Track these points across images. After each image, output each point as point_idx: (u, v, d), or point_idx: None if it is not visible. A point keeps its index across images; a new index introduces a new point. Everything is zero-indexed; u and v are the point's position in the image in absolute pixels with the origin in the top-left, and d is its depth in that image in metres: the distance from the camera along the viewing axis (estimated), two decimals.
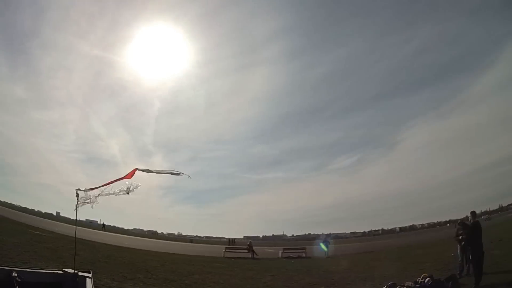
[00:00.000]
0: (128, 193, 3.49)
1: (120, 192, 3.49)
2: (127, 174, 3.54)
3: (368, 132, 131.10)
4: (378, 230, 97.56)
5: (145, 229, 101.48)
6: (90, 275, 3.53)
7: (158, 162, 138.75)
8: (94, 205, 3.52)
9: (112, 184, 3.50)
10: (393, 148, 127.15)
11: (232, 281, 13.80)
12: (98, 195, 3.47)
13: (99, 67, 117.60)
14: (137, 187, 3.48)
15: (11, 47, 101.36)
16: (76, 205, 3.54)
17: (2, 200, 67.64)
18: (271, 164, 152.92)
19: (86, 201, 3.52)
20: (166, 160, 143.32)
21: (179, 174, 3.76)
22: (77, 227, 4.19)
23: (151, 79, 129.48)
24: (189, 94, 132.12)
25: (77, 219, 3.79)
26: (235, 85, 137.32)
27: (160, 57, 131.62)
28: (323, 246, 29.15)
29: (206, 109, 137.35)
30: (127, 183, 3.49)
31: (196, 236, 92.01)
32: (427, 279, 10.36)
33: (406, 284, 10.33)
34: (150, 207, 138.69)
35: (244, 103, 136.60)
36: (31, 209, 74.79)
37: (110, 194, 3.49)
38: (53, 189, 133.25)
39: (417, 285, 10.18)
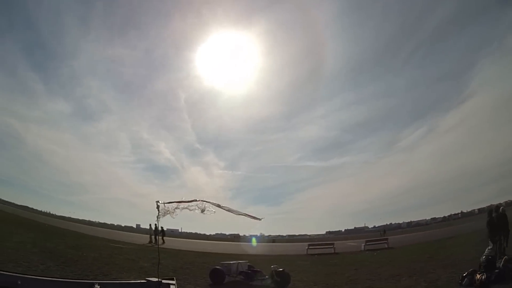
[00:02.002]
0: (202, 212, 3.95)
1: (195, 209, 3.98)
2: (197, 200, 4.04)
3: (435, 87, 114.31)
4: (458, 214, 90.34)
5: (227, 233, 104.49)
6: (174, 282, 3.72)
7: (213, 161, 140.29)
8: (174, 216, 3.99)
9: (188, 202, 3.99)
10: (463, 105, 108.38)
11: (315, 278, 14.27)
12: (175, 208, 3.93)
13: (119, 67, 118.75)
14: (211, 212, 4.00)
15: (35, 60, 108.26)
16: (158, 216, 3.93)
17: (81, 218, 73.96)
18: (334, 147, 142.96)
19: (166, 212, 3.94)
20: (221, 158, 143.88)
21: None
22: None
23: (175, 71, 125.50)
24: (221, 79, 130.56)
25: (158, 228, 3.61)
26: (271, 47, 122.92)
27: (182, 41, 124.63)
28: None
29: (244, 95, 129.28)
30: (205, 203, 4.00)
31: (279, 235, 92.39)
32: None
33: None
34: (223, 211, 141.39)
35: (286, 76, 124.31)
36: (111, 224, 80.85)
37: (185, 208, 3.97)
38: (126, 202, 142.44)
39: (496, 270, 10.46)
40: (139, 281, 3.88)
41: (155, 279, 3.69)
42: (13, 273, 3.54)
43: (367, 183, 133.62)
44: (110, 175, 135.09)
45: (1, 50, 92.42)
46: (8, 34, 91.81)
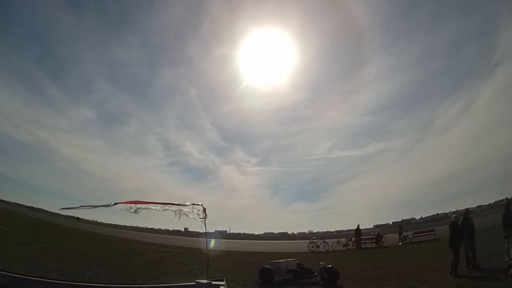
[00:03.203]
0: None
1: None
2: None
3: (464, 51, 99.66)
4: (502, 200, 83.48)
5: (275, 232, 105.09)
6: (223, 283, 3.76)
7: (243, 158, 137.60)
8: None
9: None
10: (497, 70, 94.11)
11: (363, 273, 14.31)
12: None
13: (123, 68, 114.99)
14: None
15: (50, 70, 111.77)
16: (204, 218, 3.88)
17: (128, 225, 77.19)
18: (367, 133, 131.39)
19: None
20: (250, 154, 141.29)
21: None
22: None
23: (178, 67, 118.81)
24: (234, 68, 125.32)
25: (207, 231, 4.12)
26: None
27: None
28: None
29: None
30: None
31: (327, 231, 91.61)
32: None
33: None
34: (266, 210, 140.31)
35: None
36: (158, 229, 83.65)
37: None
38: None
39: None
40: (189, 283, 3.93)
41: (205, 281, 3.75)
42: (60, 280, 3.61)
43: (407, 171, 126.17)
44: (149, 179, 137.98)
45: (19, 65, 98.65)
46: (22, 48, 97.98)
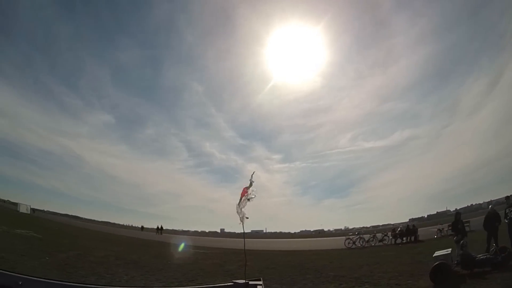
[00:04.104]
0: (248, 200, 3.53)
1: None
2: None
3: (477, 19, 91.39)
4: None
5: (311, 230, 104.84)
6: (260, 282, 3.44)
7: (264, 154, 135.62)
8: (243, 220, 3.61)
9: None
10: None
11: (400, 268, 14.39)
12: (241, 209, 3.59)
13: (126, 70, 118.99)
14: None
15: (63, 78, 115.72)
16: (242, 219, 3.58)
17: (164, 228, 78.88)
18: (390, 121, 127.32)
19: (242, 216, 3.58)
20: (272, 151, 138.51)
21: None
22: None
23: (179, 65, 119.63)
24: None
25: (244, 231, 3.66)
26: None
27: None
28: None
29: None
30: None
31: (363, 227, 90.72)
32: None
33: None
34: (298, 207, 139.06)
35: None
36: (194, 231, 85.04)
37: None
38: (204, 208, 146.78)
39: None
40: (226, 283, 3.45)
41: (242, 281, 3.33)
42: (96, 285, 3.53)
43: (437, 160, 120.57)
44: (178, 182, 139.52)
45: (32, 77, 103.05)
46: (32, 61, 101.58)
